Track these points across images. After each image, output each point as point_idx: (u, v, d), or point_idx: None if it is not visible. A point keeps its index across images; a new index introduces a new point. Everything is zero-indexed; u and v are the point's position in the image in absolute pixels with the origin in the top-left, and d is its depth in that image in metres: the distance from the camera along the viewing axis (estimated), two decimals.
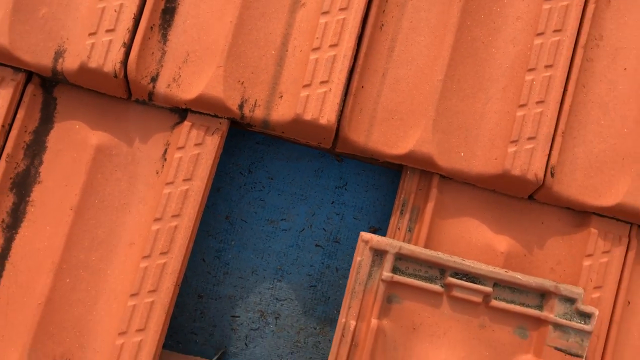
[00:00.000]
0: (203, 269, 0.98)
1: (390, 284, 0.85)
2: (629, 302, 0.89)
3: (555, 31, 0.86)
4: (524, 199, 0.91)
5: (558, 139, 0.86)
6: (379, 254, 0.85)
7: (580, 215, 0.91)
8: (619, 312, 0.88)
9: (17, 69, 0.89)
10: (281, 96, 0.86)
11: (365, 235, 0.85)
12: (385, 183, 0.99)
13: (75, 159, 0.88)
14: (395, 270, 0.85)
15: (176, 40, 0.86)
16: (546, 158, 0.86)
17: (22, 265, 0.86)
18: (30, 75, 0.90)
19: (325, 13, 0.85)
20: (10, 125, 0.88)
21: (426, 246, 0.89)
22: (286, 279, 0.98)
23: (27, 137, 0.89)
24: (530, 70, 0.86)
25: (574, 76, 0.87)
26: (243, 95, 0.86)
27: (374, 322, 0.84)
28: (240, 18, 0.85)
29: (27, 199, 0.88)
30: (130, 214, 0.86)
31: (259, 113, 0.86)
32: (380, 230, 0.97)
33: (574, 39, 0.86)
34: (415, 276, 0.85)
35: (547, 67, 0.86)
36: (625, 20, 0.89)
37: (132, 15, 0.85)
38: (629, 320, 0.89)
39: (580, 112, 0.88)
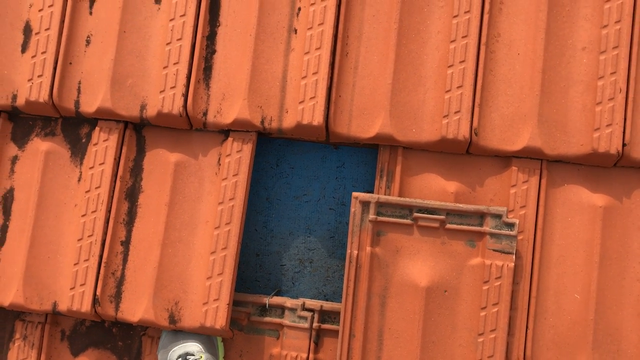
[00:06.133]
0: (256, 236, 1.42)
1: (376, 223, 1.26)
2: (545, 214, 1.26)
3: (463, 37, 1.25)
4: (463, 154, 1.30)
5: (477, 109, 1.25)
6: (365, 204, 1.26)
7: (504, 159, 1.28)
8: (540, 221, 1.25)
9: (118, 121, 1.36)
10: (287, 111, 1.29)
11: (355, 194, 1.27)
12: (370, 159, 1.40)
13: (163, 173, 1.34)
14: (378, 213, 1.26)
15: (215, 86, 1.31)
16: (469, 124, 1.25)
17: (140, 246, 1.33)
18: (126, 123, 1.37)
19: (307, 53, 1.27)
20: (119, 157, 1.36)
21: (399, 196, 1.29)
22: (313, 235, 1.41)
23: (130, 163, 1.36)
24: (450, 66, 1.26)
25: (481, 65, 1.26)
26: (262, 115, 1.30)
27: (368, 249, 1.25)
28: (254, 65, 1.29)
29: (136, 203, 1.35)
30: (202, 203, 1.32)
31: (274, 125, 1.30)
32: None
33: (477, 40, 1.25)
34: (392, 215, 1.26)
35: (461, 62, 1.25)
36: (515, 20, 1.26)
37: (185, 75, 1.30)
38: (549, 226, 1.26)
39: (491, 89, 1.26)
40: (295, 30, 1.29)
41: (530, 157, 1.26)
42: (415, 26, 1.28)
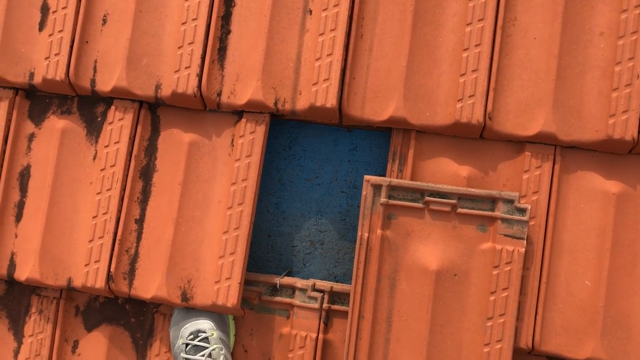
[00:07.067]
0: (269, 217, 1.44)
1: (387, 206, 1.26)
2: (557, 203, 1.26)
3: (479, 20, 1.24)
4: (476, 138, 1.30)
5: (491, 93, 1.25)
6: (377, 187, 1.27)
7: (518, 144, 1.28)
8: (552, 207, 1.25)
9: (133, 100, 1.37)
10: (300, 93, 1.30)
11: (367, 177, 1.27)
12: (382, 142, 1.40)
13: (177, 153, 1.35)
14: (389, 197, 1.26)
15: (229, 67, 1.31)
16: (484, 108, 1.24)
17: (154, 224, 1.35)
18: (141, 103, 1.38)
19: (321, 34, 1.27)
20: (134, 137, 1.38)
21: (411, 180, 1.30)
22: (324, 217, 1.42)
23: (145, 142, 1.37)
24: (465, 49, 1.25)
25: (497, 49, 1.25)
26: (276, 96, 1.30)
27: (379, 232, 1.26)
28: (268, 46, 1.29)
29: (151, 182, 1.36)
30: (216, 183, 1.33)
31: (287, 106, 1.30)
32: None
33: (494, 24, 1.24)
34: (404, 199, 1.27)
35: (476, 45, 1.24)
36: (532, 4, 1.25)
37: (200, 56, 1.30)
38: (561, 212, 1.26)
39: (506, 73, 1.26)
40: (311, 11, 1.29)
41: (544, 143, 1.25)
42: (431, 9, 1.27)
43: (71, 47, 1.35)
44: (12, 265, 1.37)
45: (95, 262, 1.33)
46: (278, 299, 1.33)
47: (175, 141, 1.35)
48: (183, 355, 1.27)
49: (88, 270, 1.33)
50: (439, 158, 1.30)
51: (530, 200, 1.25)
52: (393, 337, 1.24)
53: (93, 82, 1.35)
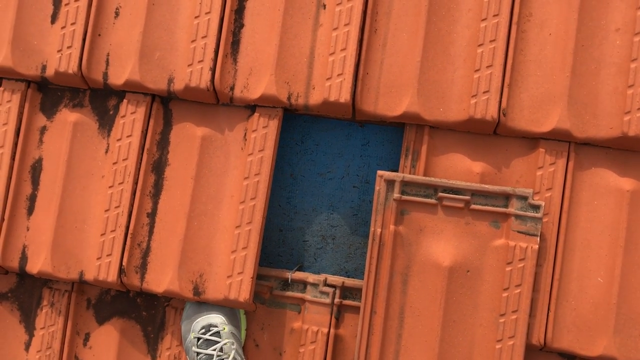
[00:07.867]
0: (280, 212, 1.43)
1: (400, 202, 1.26)
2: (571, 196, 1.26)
3: (494, 15, 1.24)
4: (490, 135, 1.29)
5: (506, 89, 1.24)
6: (390, 183, 1.26)
7: (532, 140, 1.27)
8: (566, 204, 1.25)
9: (145, 94, 1.37)
10: (314, 88, 1.29)
11: (380, 172, 1.27)
12: (395, 138, 1.40)
13: (190, 147, 1.35)
14: (402, 192, 1.26)
15: (242, 61, 1.31)
16: (498, 104, 1.24)
17: (166, 218, 1.35)
18: (153, 96, 1.38)
19: (335, 29, 1.27)
20: (147, 130, 1.37)
21: (424, 176, 1.29)
22: (336, 212, 1.42)
23: (157, 136, 1.37)
24: (480, 45, 1.24)
25: (512, 44, 1.24)
26: (289, 91, 1.30)
27: (392, 227, 1.26)
28: (282, 41, 1.29)
29: (163, 176, 1.36)
30: (228, 177, 1.33)
31: (300, 101, 1.30)
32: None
33: (509, 19, 1.23)
34: (417, 195, 1.26)
35: (491, 41, 1.24)
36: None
37: (213, 49, 1.30)
38: (575, 209, 1.25)
39: (521, 69, 1.25)
40: (324, 6, 1.28)
41: (559, 139, 1.25)
42: (446, 4, 1.26)
43: (84, 40, 1.35)
44: (23, 258, 1.37)
45: (107, 255, 1.33)
46: (289, 293, 1.33)
47: (187, 135, 1.35)
48: (194, 349, 1.27)
49: (100, 264, 1.33)
50: (453, 154, 1.29)
51: (544, 197, 1.25)
52: (405, 332, 1.24)
53: (105, 75, 1.35)
